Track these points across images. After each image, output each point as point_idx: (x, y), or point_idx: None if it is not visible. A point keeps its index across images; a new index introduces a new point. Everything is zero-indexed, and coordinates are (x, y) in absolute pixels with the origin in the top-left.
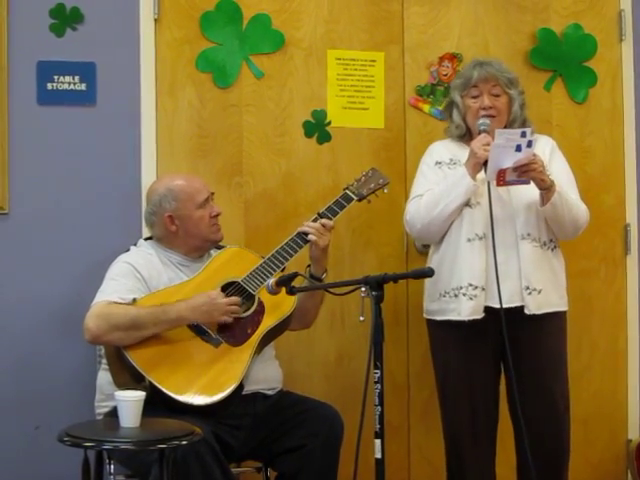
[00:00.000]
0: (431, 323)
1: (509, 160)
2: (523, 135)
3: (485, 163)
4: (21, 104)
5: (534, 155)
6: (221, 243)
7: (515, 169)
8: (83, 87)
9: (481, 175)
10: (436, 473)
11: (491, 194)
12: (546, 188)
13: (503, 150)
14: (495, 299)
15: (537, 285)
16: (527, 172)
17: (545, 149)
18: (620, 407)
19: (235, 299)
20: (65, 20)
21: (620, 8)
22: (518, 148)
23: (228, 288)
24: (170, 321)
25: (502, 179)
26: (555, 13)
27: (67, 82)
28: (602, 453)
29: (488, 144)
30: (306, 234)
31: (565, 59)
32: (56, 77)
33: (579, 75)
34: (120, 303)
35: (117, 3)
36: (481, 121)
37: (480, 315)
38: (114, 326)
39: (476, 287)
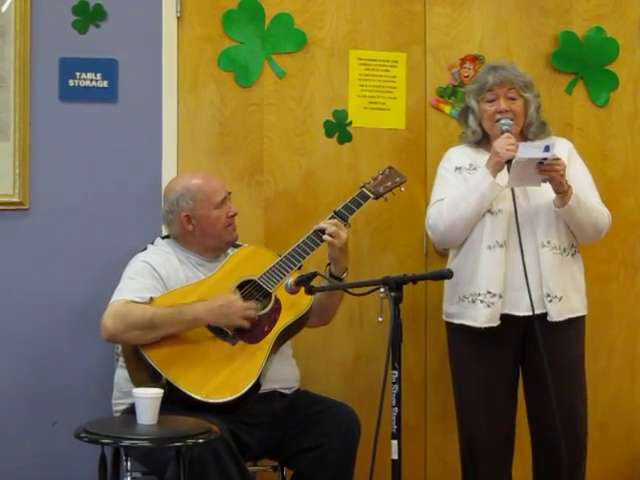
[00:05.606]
0: (449, 326)
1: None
2: (546, 150)
3: (507, 163)
4: (43, 100)
5: (557, 157)
6: (238, 242)
7: (536, 166)
8: (105, 84)
9: (501, 181)
10: (452, 474)
11: (516, 200)
12: (563, 192)
13: (526, 164)
14: (513, 306)
15: (557, 292)
16: (549, 172)
17: (562, 151)
18: (637, 411)
19: (252, 304)
20: (88, 17)
21: None
22: (541, 164)
23: (245, 286)
24: (187, 322)
25: None
26: (578, 16)
27: (89, 79)
28: (619, 457)
29: (512, 144)
30: (322, 231)
31: (587, 62)
32: (78, 74)
33: (601, 78)
34: (137, 302)
35: (140, 1)
36: (503, 121)
37: (496, 323)
38: (131, 325)
39: (494, 295)
